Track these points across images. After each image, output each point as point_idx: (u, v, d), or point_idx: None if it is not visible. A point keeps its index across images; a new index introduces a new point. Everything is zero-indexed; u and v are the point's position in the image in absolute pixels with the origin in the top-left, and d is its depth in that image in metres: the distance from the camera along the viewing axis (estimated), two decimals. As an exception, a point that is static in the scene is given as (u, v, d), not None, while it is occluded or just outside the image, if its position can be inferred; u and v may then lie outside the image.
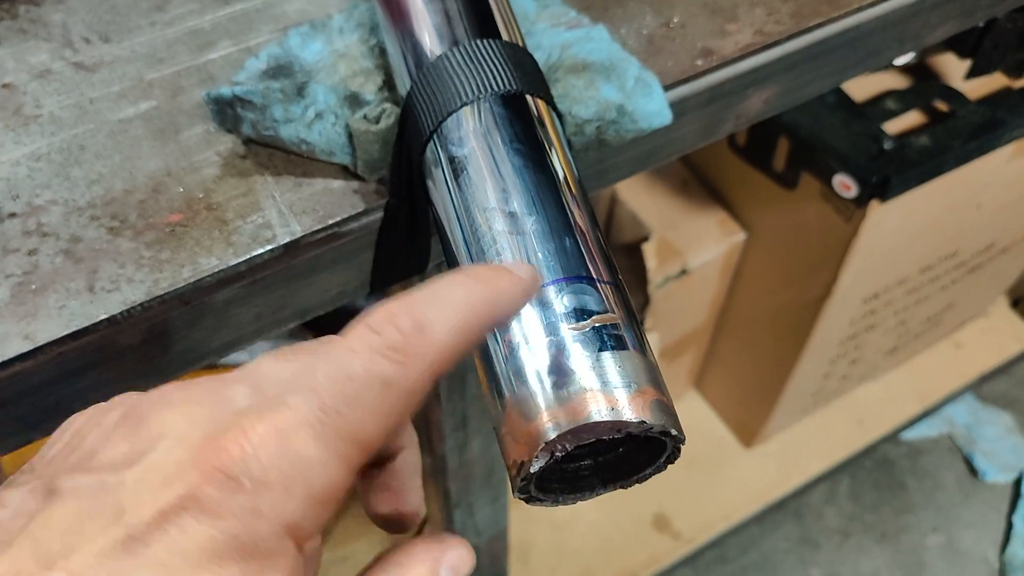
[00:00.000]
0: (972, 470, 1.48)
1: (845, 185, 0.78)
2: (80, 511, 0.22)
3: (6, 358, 0.34)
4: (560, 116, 0.39)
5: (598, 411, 0.27)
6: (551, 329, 0.29)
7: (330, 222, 0.38)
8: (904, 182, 0.77)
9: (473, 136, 0.33)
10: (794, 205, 0.92)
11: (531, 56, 0.37)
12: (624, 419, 0.27)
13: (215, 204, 0.38)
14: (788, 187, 0.87)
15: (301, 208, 0.38)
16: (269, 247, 0.37)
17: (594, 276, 0.30)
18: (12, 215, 0.38)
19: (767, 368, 1.17)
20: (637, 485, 0.32)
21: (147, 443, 0.23)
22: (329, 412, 0.23)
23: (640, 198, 1.05)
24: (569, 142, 0.39)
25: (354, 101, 0.38)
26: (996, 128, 0.80)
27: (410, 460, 0.30)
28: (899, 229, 0.90)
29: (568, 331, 0.28)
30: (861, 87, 0.85)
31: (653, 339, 1.03)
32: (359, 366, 0.23)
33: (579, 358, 0.28)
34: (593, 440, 0.27)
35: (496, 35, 0.37)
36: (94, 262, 0.36)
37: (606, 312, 0.29)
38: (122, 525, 0.21)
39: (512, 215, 0.31)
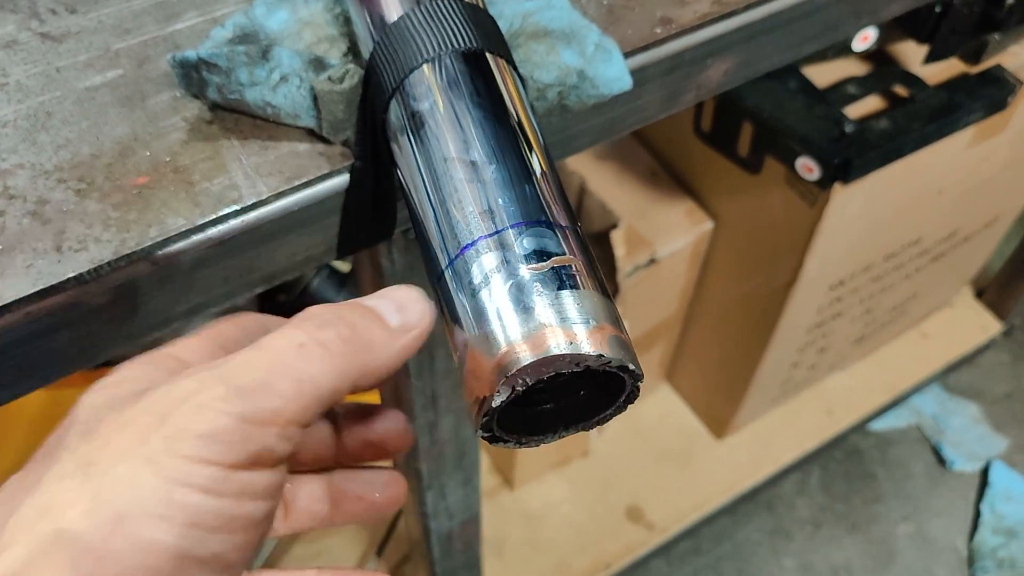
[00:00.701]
0: (940, 460, 1.50)
1: (808, 168, 0.79)
2: None
3: (-27, 315, 0.34)
4: (522, 80, 0.40)
5: (557, 345, 0.28)
6: (511, 270, 0.29)
7: (296, 183, 0.39)
8: (865, 164, 0.78)
9: (434, 91, 0.34)
10: (759, 191, 0.94)
11: (491, 17, 0.38)
12: (583, 352, 0.28)
13: (181, 167, 0.39)
14: (753, 172, 0.89)
15: (267, 170, 0.39)
16: (236, 207, 0.38)
17: (553, 221, 0.31)
18: (-22, 179, 0.38)
19: (736, 358, 1.18)
20: (598, 427, 0.32)
21: None
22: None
23: (609, 188, 1.06)
24: (531, 105, 0.40)
25: (319, 65, 0.39)
26: (954, 111, 0.82)
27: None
28: (862, 214, 0.92)
29: (527, 271, 0.29)
30: (823, 73, 0.86)
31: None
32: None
33: (538, 296, 0.29)
34: (552, 374, 0.28)
35: (458, -4, 0.37)
36: (61, 223, 0.37)
37: (565, 254, 0.30)
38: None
39: (472, 164, 0.32)
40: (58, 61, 0.43)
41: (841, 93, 0.84)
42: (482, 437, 0.30)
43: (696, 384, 1.33)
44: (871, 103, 0.85)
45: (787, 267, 0.99)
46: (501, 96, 0.34)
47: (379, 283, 0.51)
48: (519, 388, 0.28)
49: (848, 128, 0.78)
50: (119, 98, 0.41)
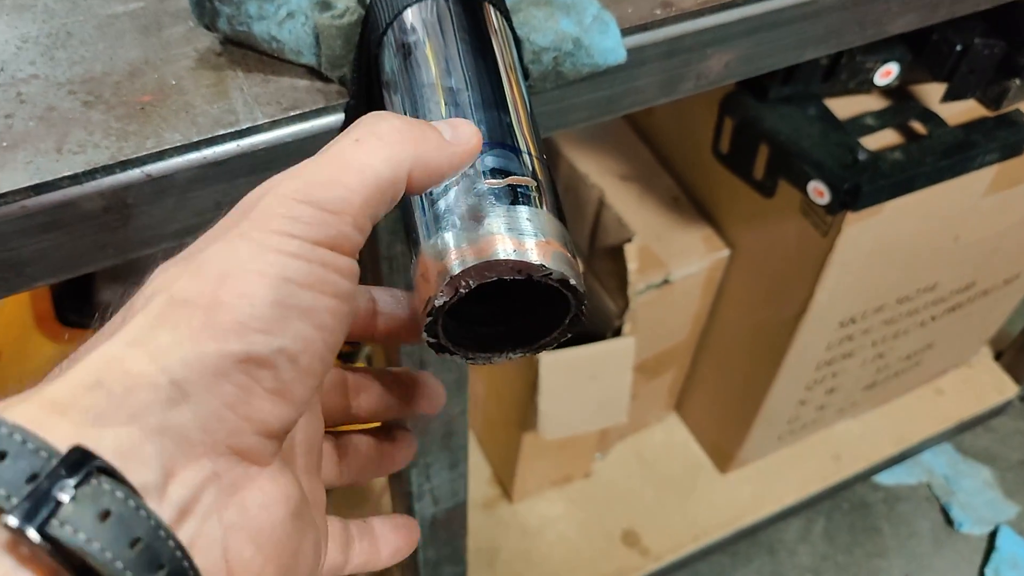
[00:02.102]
0: (948, 520, 1.48)
1: (819, 191, 0.80)
2: None
3: (-29, 200, 0.36)
4: (518, 42, 0.42)
5: (504, 251, 0.29)
6: (469, 184, 0.31)
7: (292, 113, 0.40)
8: (876, 192, 0.79)
9: (423, 25, 0.36)
10: (774, 219, 0.95)
11: (490, -29, 0.40)
12: (527, 260, 0.29)
13: (185, 90, 0.41)
14: (767, 195, 0.89)
15: (266, 100, 0.41)
16: (232, 129, 0.39)
17: (517, 146, 0.32)
18: (-5, 84, 0.40)
19: (744, 390, 1.18)
20: (547, 351, 0.33)
21: None
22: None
23: (629, 208, 1.07)
24: (523, 61, 0.42)
25: (325, 6, 0.41)
26: (968, 150, 0.82)
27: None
28: (874, 249, 0.92)
29: (486, 185, 0.31)
30: (844, 105, 0.87)
31: (632, 346, 1.05)
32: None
33: (491, 207, 0.30)
34: (495, 279, 0.29)
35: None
36: (65, 128, 0.39)
37: (524, 176, 0.31)
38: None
39: (450, 89, 0.34)
40: (86, -10, 0.45)
41: (859, 124, 0.85)
42: (427, 343, 0.31)
43: (704, 416, 1.32)
44: (887, 136, 0.86)
45: (798, 298, 0.99)
46: (487, 35, 0.36)
47: (374, 238, 0.53)
48: (462, 290, 0.29)
49: (861, 156, 0.79)
50: (137, 26, 0.44)
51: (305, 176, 0.28)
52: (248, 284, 0.25)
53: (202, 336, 0.25)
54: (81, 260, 0.41)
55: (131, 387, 0.24)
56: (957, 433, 1.52)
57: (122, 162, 0.38)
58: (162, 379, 0.24)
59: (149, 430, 0.24)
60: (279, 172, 0.42)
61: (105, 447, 0.23)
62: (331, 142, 0.29)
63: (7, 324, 0.92)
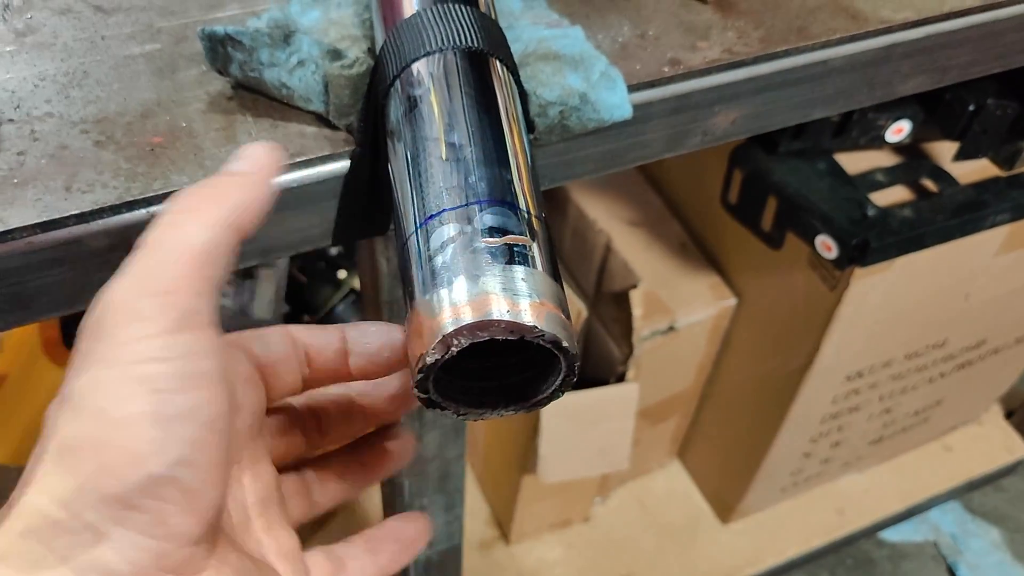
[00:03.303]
0: (953, 580, 1.46)
1: (827, 246, 0.80)
2: None
3: (-22, 236, 0.37)
4: (524, 96, 0.42)
5: (498, 311, 0.29)
6: (467, 241, 0.31)
7: (298, 159, 0.41)
8: (884, 249, 0.79)
9: (430, 79, 0.36)
10: (782, 271, 0.95)
11: (499, 27, 0.40)
12: (520, 321, 0.29)
13: (195, 133, 0.41)
14: (775, 247, 0.89)
15: (274, 145, 0.41)
16: (237, 173, 0.40)
17: (516, 204, 0.33)
18: (11, 120, 0.41)
19: (748, 440, 1.17)
20: (540, 409, 0.33)
21: None
22: None
23: (637, 253, 1.08)
24: (527, 114, 0.42)
25: (335, 55, 0.41)
26: (979, 210, 0.82)
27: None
28: (883, 304, 0.92)
29: (482, 243, 0.31)
30: (854, 161, 0.88)
31: (635, 392, 1.05)
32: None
33: (487, 266, 0.30)
34: (487, 339, 0.29)
35: (473, 6, 0.40)
36: (75, 167, 0.39)
37: (522, 235, 0.32)
38: None
39: (452, 145, 0.34)
40: (104, 30, 0.46)
41: (869, 180, 0.85)
42: (418, 398, 0.31)
43: (707, 464, 1.31)
44: (898, 193, 0.86)
45: (804, 350, 0.98)
46: (493, 91, 0.37)
47: (376, 282, 0.53)
48: (454, 348, 0.29)
49: (870, 211, 0.79)
50: (152, 68, 0.44)
51: (131, 273, 0.29)
52: (123, 412, 0.26)
53: (100, 478, 0.26)
54: (85, 295, 0.41)
55: (54, 533, 0.26)
56: (966, 491, 1.50)
57: (128, 203, 0.38)
58: (76, 524, 0.26)
59: (81, 569, 0.26)
60: (282, 215, 0.43)
61: None
62: (143, 233, 0.30)
63: (15, 349, 0.93)
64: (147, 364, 0.27)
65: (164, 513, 0.27)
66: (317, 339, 0.36)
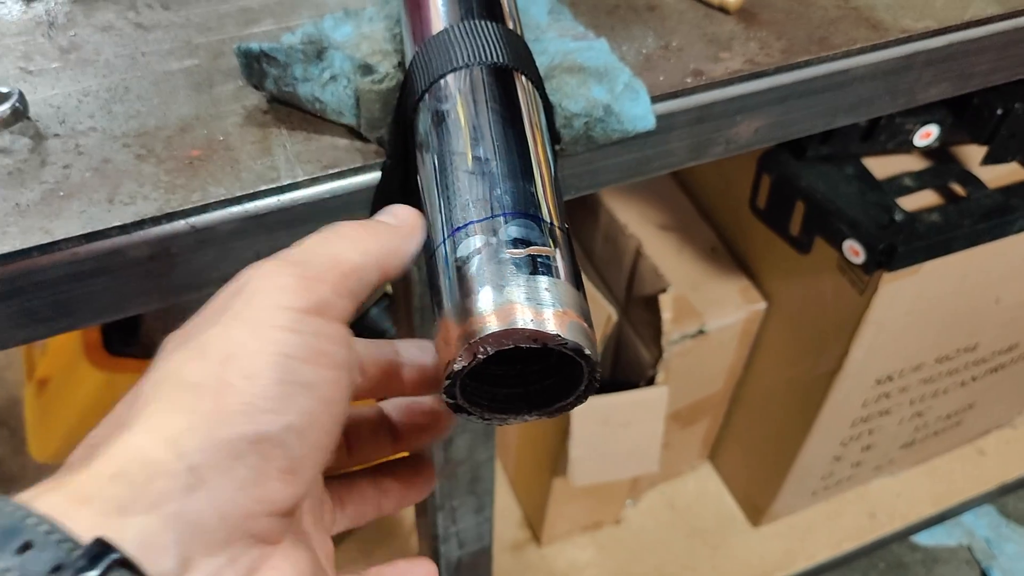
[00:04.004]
0: (988, 585, 1.44)
1: (854, 251, 0.80)
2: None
3: (26, 246, 0.38)
4: (550, 107, 0.44)
5: (522, 320, 0.30)
6: (492, 252, 0.32)
7: (331, 171, 0.42)
8: (911, 253, 0.79)
9: (458, 94, 0.37)
10: (811, 275, 0.95)
11: (525, 44, 0.41)
12: (544, 330, 0.30)
13: (232, 146, 0.43)
14: (803, 251, 0.90)
15: (307, 158, 0.43)
16: (273, 185, 0.41)
17: (540, 216, 0.34)
18: (56, 135, 0.43)
19: (778, 443, 1.17)
20: (564, 414, 0.35)
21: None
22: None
23: (667, 258, 1.08)
24: (552, 125, 0.44)
25: (367, 70, 0.43)
26: (1008, 214, 0.82)
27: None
28: (912, 308, 0.92)
29: (507, 254, 0.32)
30: (882, 165, 0.88)
31: (665, 395, 1.05)
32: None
33: (512, 276, 0.31)
34: (512, 347, 0.30)
35: (500, 21, 0.41)
36: (118, 180, 0.41)
37: (546, 246, 0.33)
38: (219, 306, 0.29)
39: (478, 159, 0.35)
40: (144, 47, 0.48)
41: (897, 184, 0.85)
42: (446, 403, 0.33)
43: (737, 467, 1.32)
44: (926, 197, 0.86)
45: (833, 354, 0.99)
46: (518, 105, 0.38)
47: (408, 288, 0.54)
48: (480, 356, 0.30)
49: (898, 216, 0.79)
50: (191, 83, 0.46)
51: (282, 256, 0.30)
52: (252, 364, 0.27)
53: (214, 420, 0.26)
54: (126, 303, 0.43)
55: (151, 475, 0.25)
56: (1000, 495, 1.48)
57: (168, 214, 0.40)
58: (180, 466, 0.26)
59: (168, 518, 0.25)
60: (315, 225, 0.44)
61: (127, 537, 0.24)
62: (296, 241, 0.32)
63: (57, 353, 0.95)
64: (282, 331, 0.28)
65: (265, 474, 0.27)
66: (371, 351, 0.37)
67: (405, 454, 0.41)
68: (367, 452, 0.40)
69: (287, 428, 0.27)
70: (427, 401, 0.40)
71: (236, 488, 0.26)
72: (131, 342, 0.96)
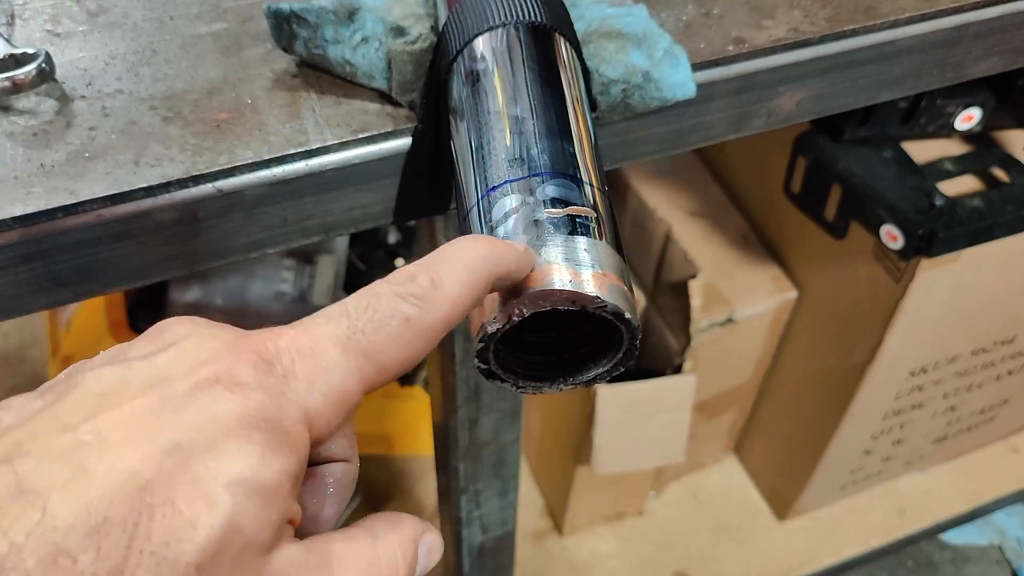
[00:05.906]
0: (1019, 585, 1.42)
1: (892, 236, 0.78)
2: (103, 389, 0.23)
3: (51, 207, 0.37)
4: (587, 73, 0.42)
5: (560, 281, 0.29)
6: (529, 212, 0.31)
7: (360, 136, 0.41)
8: (951, 240, 0.77)
9: (493, 54, 0.36)
10: (846, 263, 0.93)
11: (563, 4, 0.40)
12: (582, 291, 0.29)
13: (260, 109, 0.42)
14: (838, 237, 0.88)
15: (336, 122, 0.42)
16: (301, 149, 0.40)
17: (581, 178, 0.32)
18: (83, 97, 0.42)
19: (807, 435, 1.15)
20: (599, 385, 0.33)
21: (177, 339, 0.25)
22: (355, 332, 0.26)
23: (697, 244, 1.06)
24: (589, 92, 0.42)
25: (398, 32, 0.42)
26: (1053, 200, 0.80)
27: (345, 473, 0.29)
28: (950, 298, 0.90)
29: (545, 214, 0.31)
30: (922, 149, 0.86)
31: (692, 384, 1.04)
32: (384, 303, 0.26)
33: (551, 236, 0.30)
34: (548, 308, 0.29)
35: (535, -17, 0.40)
36: (144, 142, 0.40)
37: (584, 206, 0.31)
38: (152, 395, 0.23)
39: (515, 118, 0.34)
40: (172, 10, 0.47)
41: (937, 168, 0.83)
42: (478, 369, 0.31)
43: (764, 460, 1.30)
44: (967, 182, 0.84)
45: (867, 344, 0.96)
46: (556, 66, 0.36)
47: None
48: (515, 318, 0.29)
49: (938, 201, 0.77)
50: (219, 47, 0.45)
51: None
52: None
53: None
54: (151, 269, 0.42)
55: None
56: (1033, 495, 1.46)
57: (195, 177, 0.39)
58: None
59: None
60: (344, 192, 0.43)
61: None
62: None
63: (82, 330, 0.95)
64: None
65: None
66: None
67: None
68: None
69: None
70: None
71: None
72: (156, 320, 0.95)
